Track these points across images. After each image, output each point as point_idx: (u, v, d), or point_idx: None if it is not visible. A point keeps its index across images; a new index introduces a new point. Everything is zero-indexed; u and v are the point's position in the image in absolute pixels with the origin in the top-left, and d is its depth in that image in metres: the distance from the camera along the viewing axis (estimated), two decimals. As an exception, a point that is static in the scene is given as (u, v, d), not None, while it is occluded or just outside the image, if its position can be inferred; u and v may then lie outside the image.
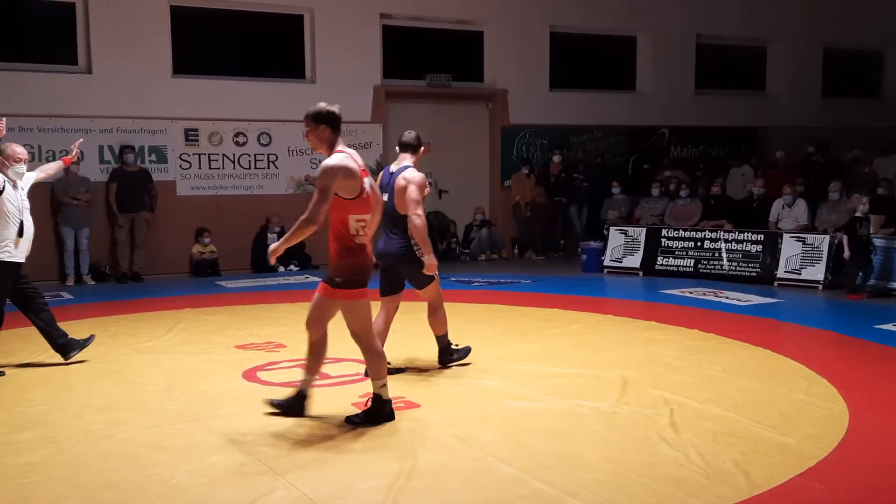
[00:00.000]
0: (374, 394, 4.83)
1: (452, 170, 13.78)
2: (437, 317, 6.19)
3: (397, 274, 6.02)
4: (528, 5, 13.88)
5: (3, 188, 5.95)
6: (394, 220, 5.86)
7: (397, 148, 6.09)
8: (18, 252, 6.13)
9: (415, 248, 5.84)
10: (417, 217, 5.72)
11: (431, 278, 5.97)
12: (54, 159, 11.09)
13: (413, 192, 5.73)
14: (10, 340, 7.16)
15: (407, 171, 5.85)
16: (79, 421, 4.89)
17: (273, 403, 4.95)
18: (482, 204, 14.00)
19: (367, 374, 5.13)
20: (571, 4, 14.16)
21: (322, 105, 4.78)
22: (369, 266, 4.79)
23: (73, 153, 6.89)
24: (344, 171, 4.56)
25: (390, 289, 6.05)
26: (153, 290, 10.11)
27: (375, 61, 13.01)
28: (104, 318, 8.25)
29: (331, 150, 4.73)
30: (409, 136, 6.04)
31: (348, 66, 12.69)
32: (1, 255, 6.03)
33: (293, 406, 4.93)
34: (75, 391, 5.58)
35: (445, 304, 6.29)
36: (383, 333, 5.93)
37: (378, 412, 4.80)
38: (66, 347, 6.34)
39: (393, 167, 5.98)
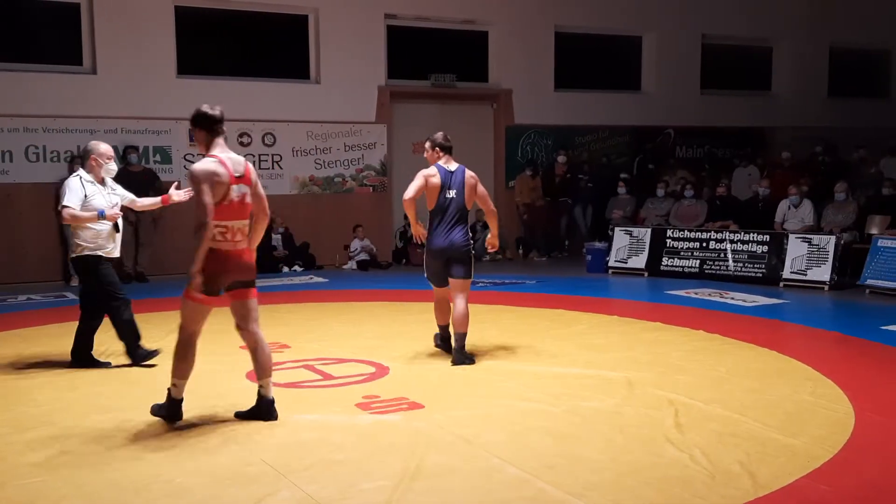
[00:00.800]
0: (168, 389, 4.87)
1: (457, 170, 13.76)
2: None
3: (450, 265, 6.43)
4: (532, 5, 13.87)
5: (86, 194, 5.98)
6: (461, 214, 6.48)
7: (437, 149, 6.49)
8: (115, 248, 6.18)
9: (469, 241, 6.53)
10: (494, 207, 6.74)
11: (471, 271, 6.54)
12: (59, 161, 11.15)
13: (482, 188, 6.61)
14: (13, 341, 7.18)
15: (470, 171, 6.54)
16: (84, 421, 4.89)
17: (239, 415, 4.94)
18: (487, 204, 13.97)
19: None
20: (576, 4, 14.16)
21: (200, 107, 4.80)
22: (221, 275, 4.71)
23: (174, 195, 6.42)
24: (207, 177, 4.58)
25: (445, 280, 6.50)
26: (157, 290, 10.11)
27: (380, 61, 13.01)
28: (107, 319, 8.23)
29: (207, 151, 4.76)
30: (449, 140, 6.56)
31: (353, 67, 12.70)
32: (96, 251, 6.06)
33: (260, 412, 4.89)
34: (80, 391, 5.58)
35: (451, 305, 6.55)
36: (449, 313, 6.51)
37: (167, 408, 4.85)
38: (79, 355, 6.31)
39: (450, 167, 6.46)
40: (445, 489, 3.85)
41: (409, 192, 6.35)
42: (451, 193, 6.40)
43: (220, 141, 4.78)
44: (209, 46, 12.42)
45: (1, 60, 11.04)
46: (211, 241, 4.62)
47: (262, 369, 4.91)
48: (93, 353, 6.36)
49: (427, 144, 6.56)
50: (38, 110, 11.02)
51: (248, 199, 4.79)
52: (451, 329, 6.55)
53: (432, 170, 6.46)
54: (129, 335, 6.28)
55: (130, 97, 11.41)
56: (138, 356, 6.30)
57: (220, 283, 4.74)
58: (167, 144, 11.76)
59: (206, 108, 4.78)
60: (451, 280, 6.45)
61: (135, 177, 11.18)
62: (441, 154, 6.50)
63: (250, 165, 4.89)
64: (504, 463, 4.15)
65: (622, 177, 13.25)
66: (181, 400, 4.89)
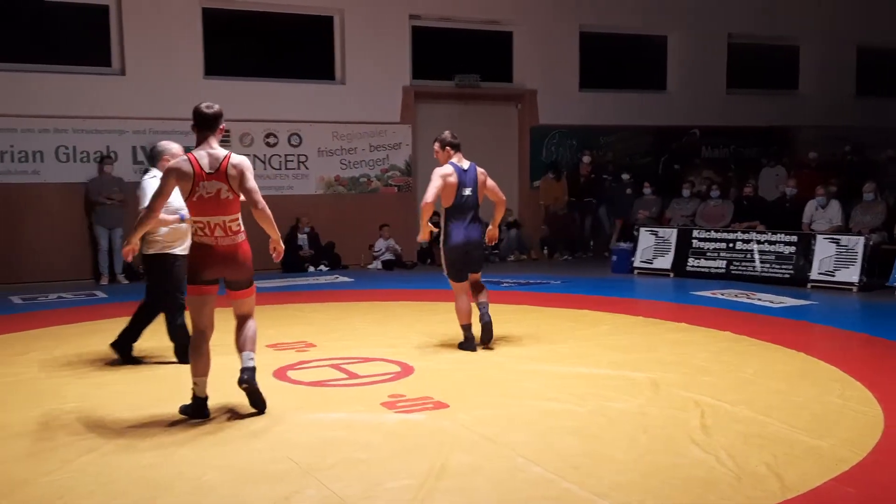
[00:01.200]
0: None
1: (481, 170, 13.77)
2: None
3: (468, 260, 6.68)
4: (557, 6, 13.85)
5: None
6: (476, 210, 6.68)
7: (448, 147, 6.66)
8: (187, 246, 6.25)
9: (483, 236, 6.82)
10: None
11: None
12: (88, 161, 11.29)
13: (491, 181, 6.83)
14: (44, 340, 7.28)
15: (480, 168, 6.75)
16: (112, 418, 4.95)
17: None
18: (511, 204, 13.96)
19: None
20: (601, 5, 14.11)
21: (199, 104, 4.93)
22: (205, 267, 4.82)
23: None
24: (175, 173, 4.76)
25: (465, 275, 6.70)
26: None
27: (404, 62, 13.05)
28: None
29: (196, 147, 4.90)
30: (456, 137, 6.75)
31: (377, 67, 12.75)
32: (173, 249, 6.14)
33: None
34: (109, 389, 5.65)
35: (475, 305, 6.76)
36: (471, 313, 6.69)
37: (192, 408, 4.94)
38: (121, 344, 6.40)
39: (465, 165, 6.66)
40: (470, 488, 3.86)
41: (430, 195, 6.47)
42: (467, 191, 6.59)
43: (210, 138, 4.84)
44: (236, 47, 12.53)
45: (31, 62, 11.20)
46: (194, 236, 4.86)
47: (245, 341, 5.01)
48: (132, 344, 6.43)
49: (436, 146, 6.71)
50: (67, 111, 11.17)
51: (227, 195, 4.77)
52: (472, 329, 6.71)
53: (448, 168, 6.57)
54: (182, 337, 6.28)
55: (158, 98, 11.52)
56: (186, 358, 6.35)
57: (205, 275, 4.84)
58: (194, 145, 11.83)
59: (200, 105, 4.89)
60: (469, 274, 6.70)
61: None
62: (452, 152, 6.65)
63: (237, 162, 4.81)
64: (529, 463, 4.15)
65: (623, 177, 13.37)
66: (205, 398, 4.94)
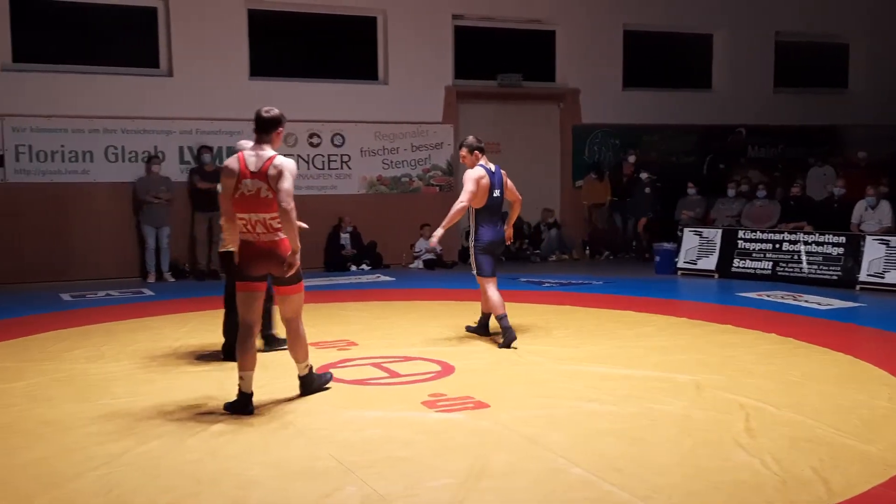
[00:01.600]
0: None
1: (522, 170, 13.70)
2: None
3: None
4: (601, 4, 13.77)
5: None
6: (501, 210, 7.00)
7: (476, 151, 6.89)
8: None
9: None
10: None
11: None
12: (136, 160, 11.50)
13: (510, 181, 7.10)
14: (93, 336, 7.43)
15: (501, 169, 7.05)
16: (159, 413, 5.03)
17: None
18: (553, 204, 13.93)
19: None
20: (646, 3, 14.00)
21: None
22: (249, 263, 5.01)
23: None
24: (224, 170, 5.04)
25: (495, 270, 7.02)
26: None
27: (447, 62, 13.07)
28: (183, 315, 8.48)
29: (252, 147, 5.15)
30: (481, 141, 7.00)
31: (420, 67, 12.79)
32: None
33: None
34: (156, 384, 5.74)
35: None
36: (504, 303, 6.95)
37: (238, 403, 5.03)
38: (269, 340, 6.58)
39: (492, 167, 6.92)
40: (510, 489, 3.85)
41: (466, 199, 6.74)
42: (497, 192, 6.88)
43: (265, 140, 5.03)
44: (280, 48, 12.65)
45: (82, 63, 11.43)
46: (240, 233, 5.04)
47: (294, 355, 5.29)
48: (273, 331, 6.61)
49: (463, 150, 6.93)
50: (116, 112, 11.38)
51: (267, 194, 4.90)
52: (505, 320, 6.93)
53: (480, 171, 6.80)
54: (234, 335, 6.32)
55: (204, 99, 11.69)
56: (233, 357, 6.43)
57: (251, 271, 5.01)
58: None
59: (261, 109, 5.08)
60: None
61: (208, 176, 11.47)
62: (480, 155, 6.88)
63: (279, 163, 4.91)
64: (569, 464, 4.13)
65: (641, 176, 13.11)
66: (250, 394, 5.01)
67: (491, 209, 6.85)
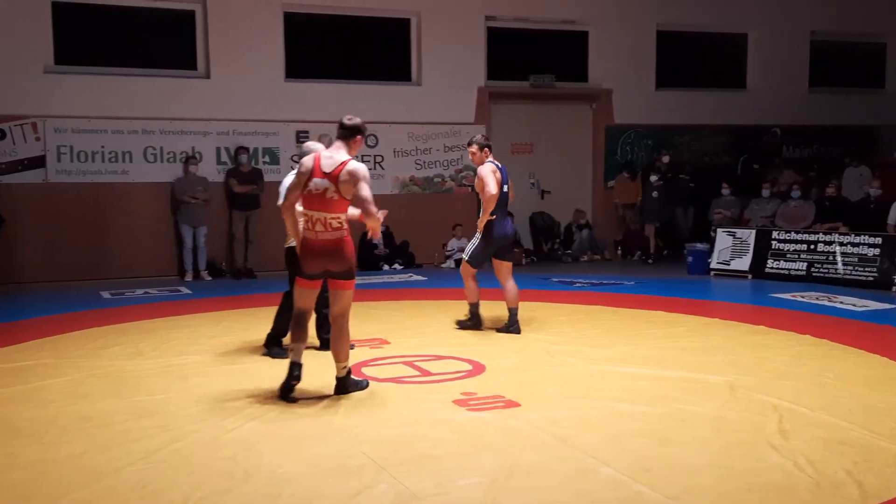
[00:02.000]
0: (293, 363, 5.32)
1: (555, 170, 13.73)
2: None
3: (501, 251, 7.37)
4: (634, 4, 13.71)
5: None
6: (507, 205, 7.34)
7: (486, 148, 7.28)
8: None
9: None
10: None
11: None
12: (174, 161, 11.66)
13: None
14: (131, 333, 7.55)
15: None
16: (194, 410, 5.11)
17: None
18: (585, 205, 13.89)
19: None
20: (679, 3, 13.91)
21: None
22: (306, 260, 5.24)
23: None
24: (300, 167, 5.29)
25: (483, 263, 7.44)
26: (265, 285, 10.42)
27: (480, 63, 13.09)
28: (219, 313, 8.60)
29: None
30: (489, 139, 7.53)
31: (453, 68, 12.82)
32: None
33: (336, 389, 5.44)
34: (191, 381, 5.83)
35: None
36: (478, 295, 7.55)
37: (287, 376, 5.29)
38: (328, 342, 6.48)
39: (498, 163, 7.29)
40: (541, 488, 3.87)
41: (493, 188, 7.09)
42: (506, 188, 7.25)
43: (342, 145, 5.28)
44: (316, 50, 12.75)
45: (121, 66, 11.62)
46: (303, 229, 5.28)
47: (334, 353, 5.42)
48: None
49: (474, 148, 7.26)
50: (155, 113, 11.56)
51: (332, 195, 5.11)
52: (479, 308, 7.53)
53: (491, 166, 7.19)
54: (284, 326, 6.34)
55: (241, 100, 11.83)
56: (273, 351, 6.51)
57: (308, 268, 5.25)
58: (276, 146, 12.15)
59: (344, 117, 5.36)
60: (502, 263, 7.36)
61: (244, 177, 11.62)
62: (489, 153, 7.26)
63: (353, 168, 5.14)
64: (600, 464, 4.14)
65: (651, 179, 12.94)
66: (299, 364, 5.28)
67: (500, 203, 7.19)
